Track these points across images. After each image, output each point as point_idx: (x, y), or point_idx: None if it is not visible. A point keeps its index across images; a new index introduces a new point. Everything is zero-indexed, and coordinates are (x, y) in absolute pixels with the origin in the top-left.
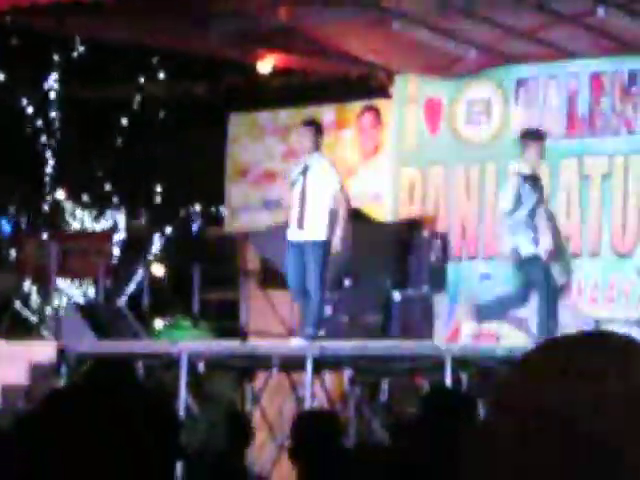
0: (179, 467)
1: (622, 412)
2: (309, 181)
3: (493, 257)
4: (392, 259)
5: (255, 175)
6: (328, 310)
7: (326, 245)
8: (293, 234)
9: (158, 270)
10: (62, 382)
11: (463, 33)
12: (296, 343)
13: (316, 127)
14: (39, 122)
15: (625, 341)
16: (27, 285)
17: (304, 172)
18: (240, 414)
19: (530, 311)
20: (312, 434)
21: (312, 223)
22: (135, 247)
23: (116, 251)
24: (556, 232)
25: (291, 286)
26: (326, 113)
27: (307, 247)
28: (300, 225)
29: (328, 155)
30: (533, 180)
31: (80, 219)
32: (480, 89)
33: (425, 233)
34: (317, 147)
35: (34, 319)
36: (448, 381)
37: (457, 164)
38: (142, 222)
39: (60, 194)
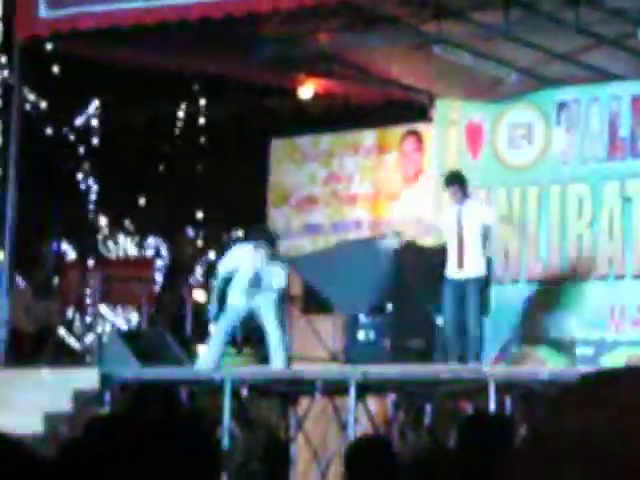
0: None
1: None
2: (465, 223)
3: (535, 280)
4: (434, 283)
5: (297, 200)
6: (371, 335)
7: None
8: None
9: (201, 296)
10: (106, 409)
11: (504, 56)
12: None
13: (461, 183)
14: (81, 149)
15: None
16: (71, 312)
17: (459, 216)
18: (279, 440)
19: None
20: (367, 460)
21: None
22: (178, 273)
23: (159, 277)
24: None
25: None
26: (367, 137)
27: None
28: (460, 264)
29: (370, 179)
30: None
31: (123, 246)
32: (521, 112)
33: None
34: (466, 197)
35: (78, 346)
36: (492, 405)
37: (499, 188)
38: (184, 248)
39: (103, 221)
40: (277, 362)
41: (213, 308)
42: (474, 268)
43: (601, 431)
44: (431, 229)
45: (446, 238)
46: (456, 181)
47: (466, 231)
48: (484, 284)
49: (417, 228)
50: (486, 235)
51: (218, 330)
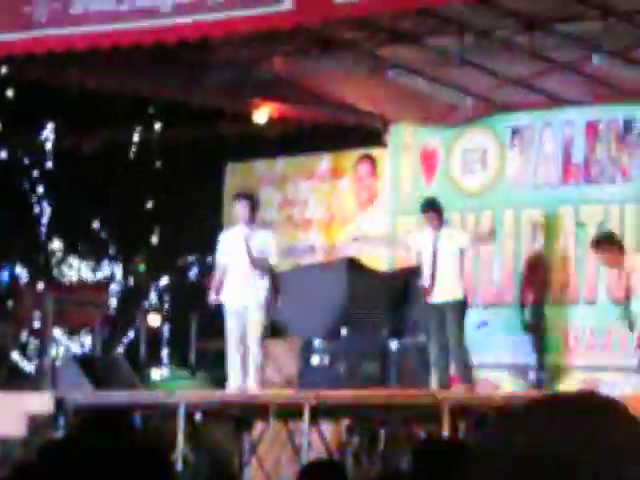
0: None
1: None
2: (441, 249)
3: (491, 305)
4: (388, 308)
5: None
6: (326, 359)
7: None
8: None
9: (155, 320)
10: (59, 433)
11: (458, 82)
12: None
13: (437, 209)
14: (35, 173)
15: (610, 404)
16: (24, 336)
17: (435, 241)
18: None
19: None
20: None
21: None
22: (132, 297)
23: (113, 301)
24: None
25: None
26: (322, 162)
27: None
28: (433, 289)
29: (325, 204)
30: None
31: (77, 270)
32: (476, 138)
33: (421, 281)
34: (442, 223)
35: (31, 370)
36: (445, 430)
37: (453, 212)
38: (139, 272)
39: (57, 245)
40: (251, 382)
41: None
42: (450, 292)
43: (550, 450)
44: (399, 245)
45: (420, 262)
46: (432, 207)
47: (442, 256)
48: (463, 307)
49: (384, 243)
50: (462, 259)
51: None
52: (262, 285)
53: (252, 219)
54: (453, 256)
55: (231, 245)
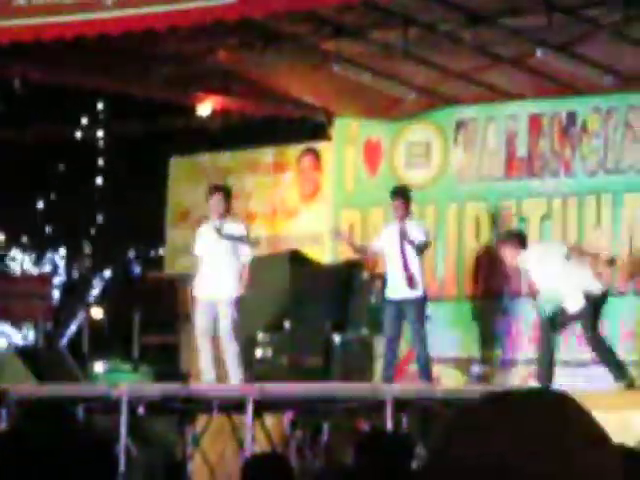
0: None
1: (556, 466)
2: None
3: (434, 299)
4: (332, 301)
5: (195, 218)
6: (269, 352)
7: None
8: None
9: (98, 313)
10: (2, 426)
11: (403, 75)
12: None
13: (405, 198)
14: None
15: (561, 399)
16: None
17: (402, 235)
18: (176, 458)
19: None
20: (264, 478)
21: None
22: (75, 290)
23: (56, 294)
24: None
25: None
26: (266, 155)
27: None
28: (403, 283)
29: (269, 197)
30: None
31: (20, 262)
32: (420, 131)
33: (365, 275)
34: (408, 214)
35: None
36: (389, 423)
37: None
38: (82, 265)
39: (0, 237)
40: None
41: None
42: (415, 287)
43: (498, 454)
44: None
45: (386, 256)
46: (401, 195)
47: (408, 250)
48: (424, 304)
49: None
50: (422, 253)
51: None
52: (234, 280)
53: (227, 211)
54: (416, 251)
55: (205, 239)
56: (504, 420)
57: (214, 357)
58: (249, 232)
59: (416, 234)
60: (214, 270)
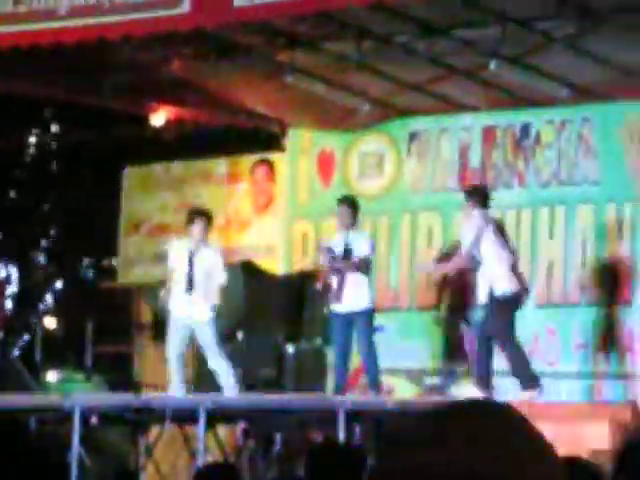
0: None
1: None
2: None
3: (387, 309)
4: (285, 312)
5: (149, 228)
6: None
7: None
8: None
9: (51, 323)
10: None
11: (356, 86)
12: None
13: (351, 206)
14: None
15: (502, 409)
16: None
17: (347, 246)
18: (128, 468)
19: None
20: None
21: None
22: (28, 299)
23: (9, 303)
24: None
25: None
26: (219, 166)
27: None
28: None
29: (222, 208)
30: None
31: None
32: (373, 142)
33: (318, 285)
34: (354, 224)
35: None
36: (341, 434)
37: None
38: (35, 275)
39: None
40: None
41: None
42: (359, 300)
43: (440, 468)
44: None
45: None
46: (347, 203)
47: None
48: (372, 315)
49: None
50: (368, 265)
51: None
52: (210, 300)
53: (206, 238)
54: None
55: (180, 257)
56: (460, 430)
57: (184, 376)
58: (223, 259)
59: (361, 246)
60: (188, 291)
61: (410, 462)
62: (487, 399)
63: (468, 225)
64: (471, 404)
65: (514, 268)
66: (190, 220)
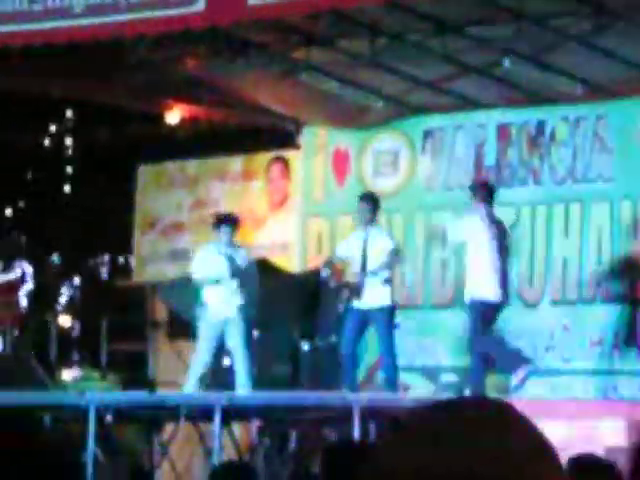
0: None
1: (496, 474)
2: (370, 251)
3: (402, 307)
4: (300, 309)
5: (163, 226)
6: None
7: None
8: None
9: (66, 321)
10: None
11: (371, 84)
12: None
13: (373, 203)
14: None
15: (500, 407)
16: None
17: (365, 242)
18: (143, 466)
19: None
20: None
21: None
22: (43, 297)
23: (24, 301)
24: None
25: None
26: (234, 163)
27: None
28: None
29: (237, 205)
30: None
31: None
32: (387, 140)
33: (333, 283)
34: (374, 220)
35: None
36: (356, 432)
37: None
38: (50, 273)
39: None
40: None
41: None
42: (380, 298)
43: (439, 469)
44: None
45: (352, 263)
46: (369, 200)
47: (371, 258)
48: (392, 313)
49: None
50: (391, 262)
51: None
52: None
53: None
54: (382, 258)
55: (214, 261)
56: (459, 429)
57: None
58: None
59: (382, 242)
60: (223, 291)
61: (408, 462)
62: (485, 397)
63: (471, 220)
64: (469, 402)
65: (500, 275)
66: (216, 226)
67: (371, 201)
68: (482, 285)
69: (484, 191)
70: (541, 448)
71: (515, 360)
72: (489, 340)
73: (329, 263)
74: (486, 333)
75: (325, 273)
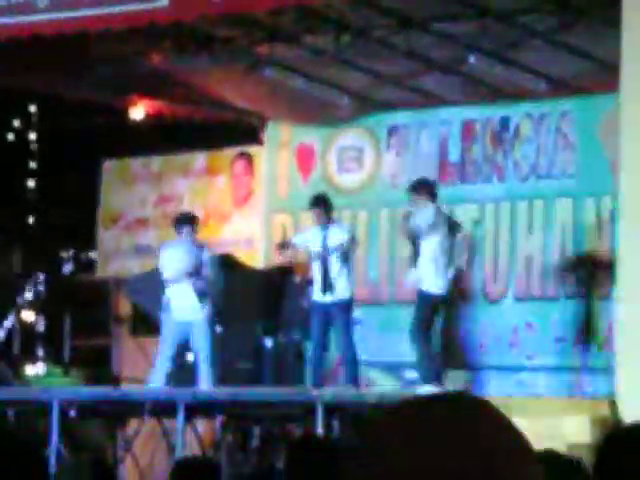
0: None
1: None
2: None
3: (365, 303)
4: (264, 305)
5: (127, 221)
6: None
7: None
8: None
9: (29, 316)
10: None
11: (335, 80)
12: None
13: (325, 206)
14: None
15: (477, 403)
16: None
17: (324, 240)
18: (107, 462)
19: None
20: None
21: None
22: (5, 292)
23: None
24: None
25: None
26: (198, 159)
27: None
28: (325, 288)
29: (201, 201)
30: None
31: None
32: (352, 136)
33: (297, 279)
34: (330, 220)
35: None
36: (319, 428)
37: None
38: (13, 267)
39: None
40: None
41: None
42: (340, 291)
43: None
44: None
45: (310, 261)
46: (321, 204)
47: (330, 255)
48: (350, 307)
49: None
50: (347, 245)
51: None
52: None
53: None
54: (339, 254)
55: (179, 259)
56: (422, 426)
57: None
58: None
59: (339, 237)
60: (183, 290)
61: (393, 464)
62: (464, 394)
63: (423, 217)
64: (450, 399)
65: (443, 269)
66: (177, 225)
67: (322, 203)
68: (425, 278)
69: (428, 188)
70: (519, 444)
71: (429, 374)
72: (424, 338)
73: (286, 244)
74: (430, 325)
75: (282, 255)
